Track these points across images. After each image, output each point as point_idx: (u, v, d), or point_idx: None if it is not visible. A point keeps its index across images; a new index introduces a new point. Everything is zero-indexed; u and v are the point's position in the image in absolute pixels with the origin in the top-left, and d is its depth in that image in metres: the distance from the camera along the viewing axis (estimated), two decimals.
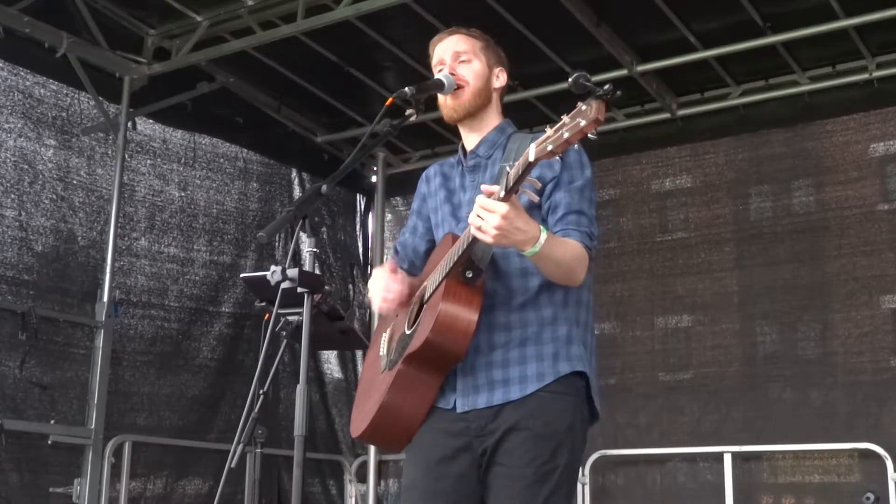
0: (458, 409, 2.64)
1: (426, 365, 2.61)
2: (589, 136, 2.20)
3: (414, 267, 2.97)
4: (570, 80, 2.22)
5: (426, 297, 2.67)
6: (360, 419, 2.80)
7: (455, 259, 2.55)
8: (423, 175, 3.03)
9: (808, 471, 6.39)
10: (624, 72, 6.44)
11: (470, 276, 2.56)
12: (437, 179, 2.95)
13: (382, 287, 2.76)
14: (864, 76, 6.36)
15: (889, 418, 6.11)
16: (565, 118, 2.23)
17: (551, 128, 2.25)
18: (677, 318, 7.02)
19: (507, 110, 2.94)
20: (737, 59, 6.48)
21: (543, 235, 2.44)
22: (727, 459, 6.30)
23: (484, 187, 2.43)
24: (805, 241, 6.59)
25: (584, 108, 2.19)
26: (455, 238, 2.64)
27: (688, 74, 6.72)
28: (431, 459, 2.66)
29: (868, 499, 5.46)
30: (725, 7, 5.96)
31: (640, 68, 6.45)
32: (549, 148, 2.23)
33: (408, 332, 2.70)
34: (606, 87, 2.18)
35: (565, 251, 2.56)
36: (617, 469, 6.94)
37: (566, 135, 2.20)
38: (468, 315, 2.54)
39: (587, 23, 5.96)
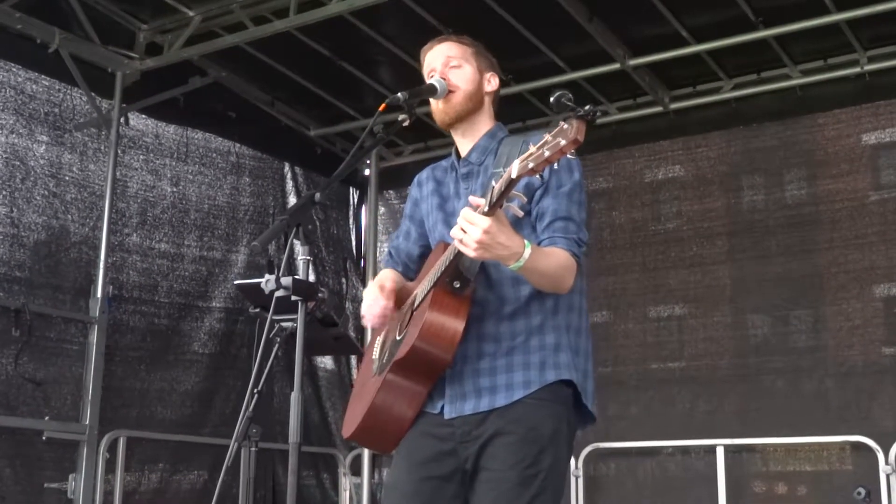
0: (446, 416, 2.65)
1: (413, 371, 2.62)
2: (569, 155, 2.22)
3: (409, 270, 2.99)
4: (552, 98, 2.23)
5: (416, 305, 2.69)
6: (351, 420, 2.83)
7: (442, 269, 2.57)
8: (416, 179, 3.02)
9: (800, 462, 6.43)
10: (616, 66, 6.47)
11: (457, 286, 2.57)
12: (430, 185, 2.94)
13: (367, 306, 2.81)
14: (856, 70, 6.38)
15: (880, 410, 6.13)
16: (547, 136, 2.23)
17: (534, 144, 2.26)
18: (669, 311, 7.04)
19: (501, 104, 2.93)
20: (729, 52, 6.49)
21: (528, 251, 2.43)
22: (720, 452, 6.32)
23: (471, 199, 2.43)
24: (797, 234, 6.61)
25: (565, 126, 2.20)
26: (446, 247, 2.63)
27: (680, 68, 6.72)
28: (415, 461, 2.68)
29: (859, 493, 5.43)
30: (717, 1, 5.97)
31: (633, 62, 6.47)
32: (531, 166, 2.24)
33: (398, 337, 2.71)
34: (587, 107, 2.19)
35: (550, 262, 2.55)
36: (609, 461, 6.96)
37: (547, 153, 2.22)
38: (454, 324, 2.54)
39: (580, 17, 5.97)
